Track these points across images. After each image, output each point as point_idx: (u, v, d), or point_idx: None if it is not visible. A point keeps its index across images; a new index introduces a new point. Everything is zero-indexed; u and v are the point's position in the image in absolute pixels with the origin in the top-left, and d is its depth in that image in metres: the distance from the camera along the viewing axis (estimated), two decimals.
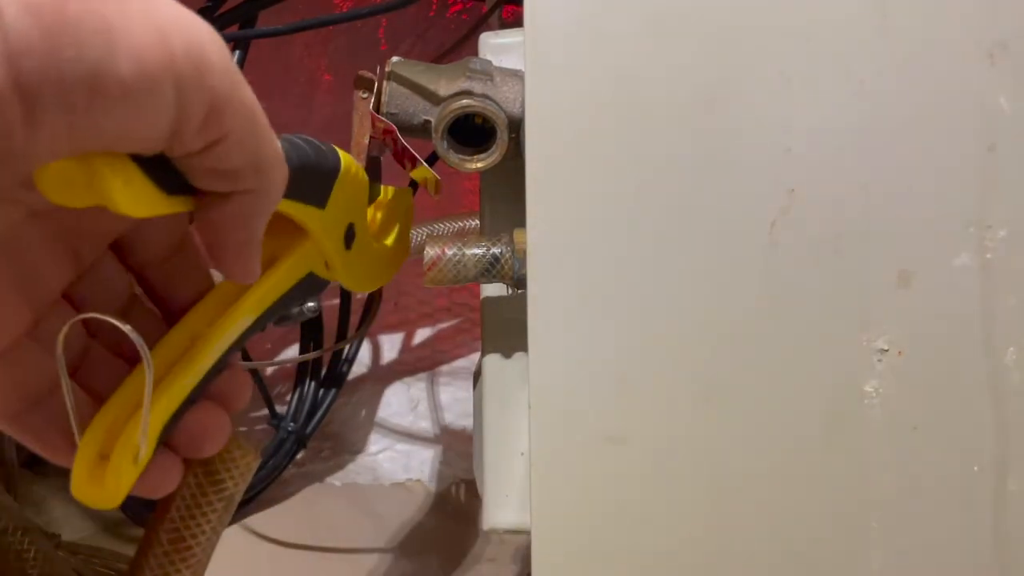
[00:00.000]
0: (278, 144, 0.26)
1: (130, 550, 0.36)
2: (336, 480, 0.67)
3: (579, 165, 0.36)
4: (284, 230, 0.31)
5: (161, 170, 0.23)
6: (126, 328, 0.25)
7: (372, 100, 0.40)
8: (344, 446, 0.73)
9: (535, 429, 0.36)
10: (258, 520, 0.60)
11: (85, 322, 0.28)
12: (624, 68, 0.35)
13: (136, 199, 0.22)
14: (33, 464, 0.60)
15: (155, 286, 0.30)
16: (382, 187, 0.40)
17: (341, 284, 0.34)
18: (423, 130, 0.40)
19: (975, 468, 0.35)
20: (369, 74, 0.41)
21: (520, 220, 0.37)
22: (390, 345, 0.84)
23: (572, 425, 0.36)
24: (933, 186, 0.34)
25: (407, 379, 0.79)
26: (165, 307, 0.30)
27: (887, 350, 0.35)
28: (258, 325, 0.30)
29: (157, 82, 0.21)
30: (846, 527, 0.36)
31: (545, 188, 0.36)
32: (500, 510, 0.42)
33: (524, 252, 0.37)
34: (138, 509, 0.57)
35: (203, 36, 0.22)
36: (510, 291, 0.40)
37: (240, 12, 0.54)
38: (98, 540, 0.56)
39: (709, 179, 0.35)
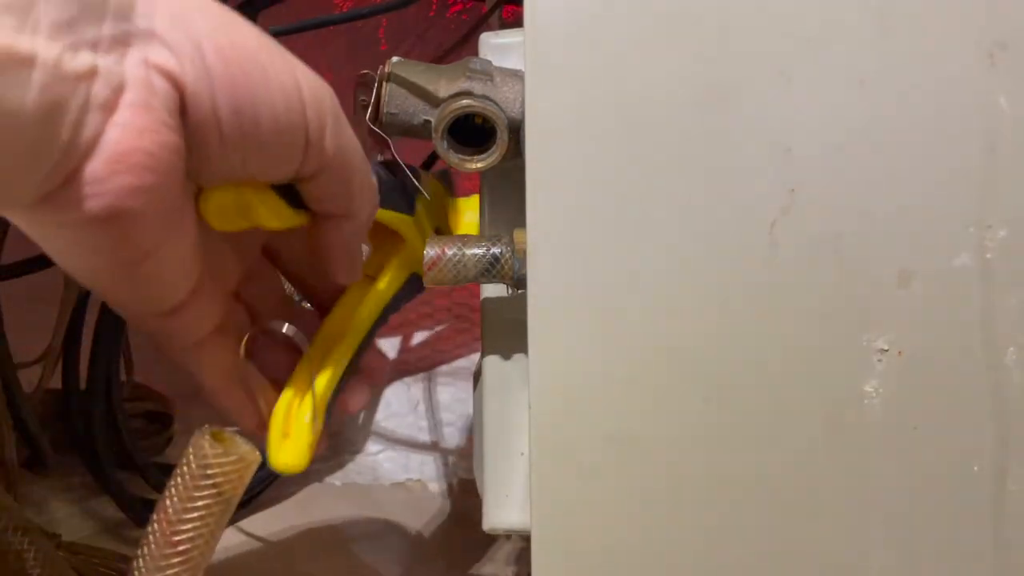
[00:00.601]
0: (371, 175, 0.33)
1: (130, 550, 0.36)
2: (336, 480, 0.67)
3: (579, 165, 0.36)
4: (388, 240, 0.40)
5: (287, 190, 0.30)
6: (291, 331, 0.35)
7: (370, 110, 0.40)
8: (344, 446, 0.73)
9: (535, 429, 0.36)
10: (257, 520, 0.60)
11: (253, 317, 0.37)
12: (624, 68, 0.35)
13: (275, 216, 0.31)
14: (33, 464, 0.60)
15: (301, 283, 0.39)
16: (455, 198, 0.47)
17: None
18: (423, 130, 0.40)
19: (975, 468, 0.35)
20: (371, 74, 0.41)
21: (520, 220, 0.37)
22: (390, 345, 0.84)
23: (572, 425, 0.36)
24: (933, 186, 0.34)
25: (407, 379, 0.79)
26: (314, 299, 0.39)
27: (887, 350, 0.35)
28: (382, 320, 0.39)
29: (298, 125, 0.28)
30: (846, 527, 0.36)
31: (545, 188, 0.36)
32: (500, 510, 0.42)
33: (524, 252, 0.37)
34: (138, 509, 0.57)
35: (325, 90, 0.30)
36: (510, 291, 0.40)
37: (240, 12, 0.54)
38: (98, 540, 0.56)
39: (709, 179, 0.35)
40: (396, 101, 0.40)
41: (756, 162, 0.35)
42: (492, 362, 0.43)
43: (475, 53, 0.43)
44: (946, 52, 0.34)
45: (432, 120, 0.40)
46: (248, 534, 0.58)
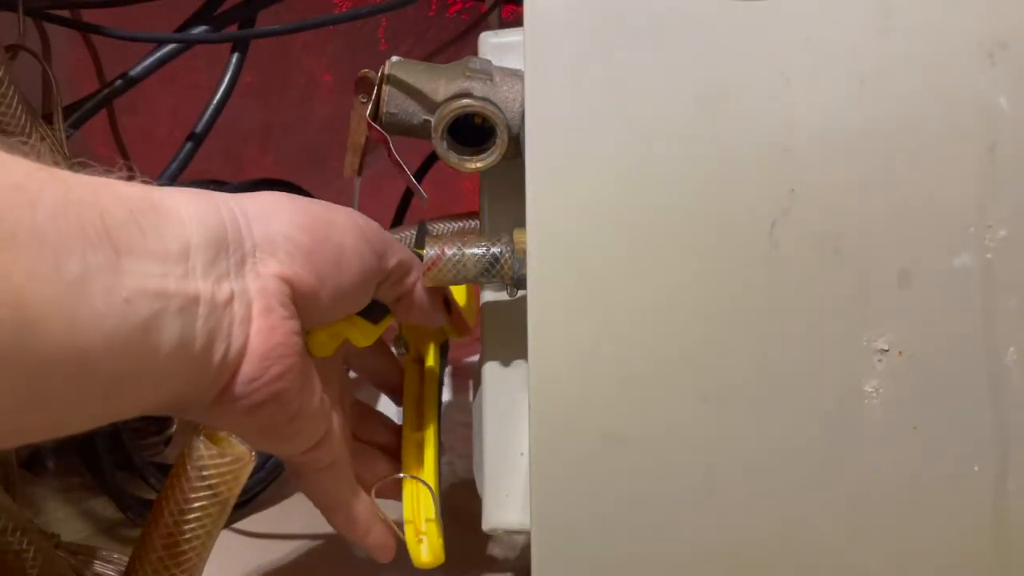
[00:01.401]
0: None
1: (130, 551, 0.36)
2: None
3: (579, 165, 0.35)
4: (418, 327, 0.46)
5: (369, 312, 0.40)
6: (418, 479, 0.43)
7: (370, 106, 0.40)
8: None
9: (535, 429, 0.36)
10: (256, 520, 0.60)
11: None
12: (624, 68, 0.35)
13: (363, 336, 0.40)
14: (32, 464, 0.59)
15: (373, 374, 0.48)
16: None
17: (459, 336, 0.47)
18: (423, 130, 0.40)
19: (975, 468, 0.35)
20: (371, 73, 0.41)
21: (520, 220, 0.37)
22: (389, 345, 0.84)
23: (572, 425, 0.36)
24: (933, 186, 0.34)
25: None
26: (383, 383, 0.48)
27: (887, 350, 0.35)
28: (441, 389, 0.47)
29: (371, 267, 0.37)
30: (846, 527, 0.36)
31: (545, 188, 0.36)
32: (500, 510, 0.42)
33: (524, 252, 0.37)
34: (138, 509, 0.57)
35: (371, 223, 0.38)
36: (510, 292, 0.40)
37: (240, 12, 0.54)
38: (97, 541, 0.56)
39: (709, 179, 0.35)
40: (396, 101, 0.40)
41: (756, 162, 0.35)
42: (492, 363, 0.43)
43: (475, 52, 0.42)
44: (946, 52, 0.34)
45: (432, 120, 0.40)
46: (247, 534, 0.57)
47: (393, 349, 0.47)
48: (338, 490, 0.40)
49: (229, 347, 0.31)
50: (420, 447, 0.45)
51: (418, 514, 0.43)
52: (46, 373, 0.24)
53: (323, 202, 0.37)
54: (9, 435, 0.26)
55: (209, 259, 0.30)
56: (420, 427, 0.45)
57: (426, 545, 0.42)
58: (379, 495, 0.43)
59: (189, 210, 0.30)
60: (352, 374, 0.49)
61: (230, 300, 0.30)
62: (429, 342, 0.48)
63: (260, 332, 0.31)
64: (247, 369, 0.31)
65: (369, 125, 0.40)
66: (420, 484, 0.43)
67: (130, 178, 0.30)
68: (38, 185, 0.25)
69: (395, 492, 0.44)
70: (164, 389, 0.29)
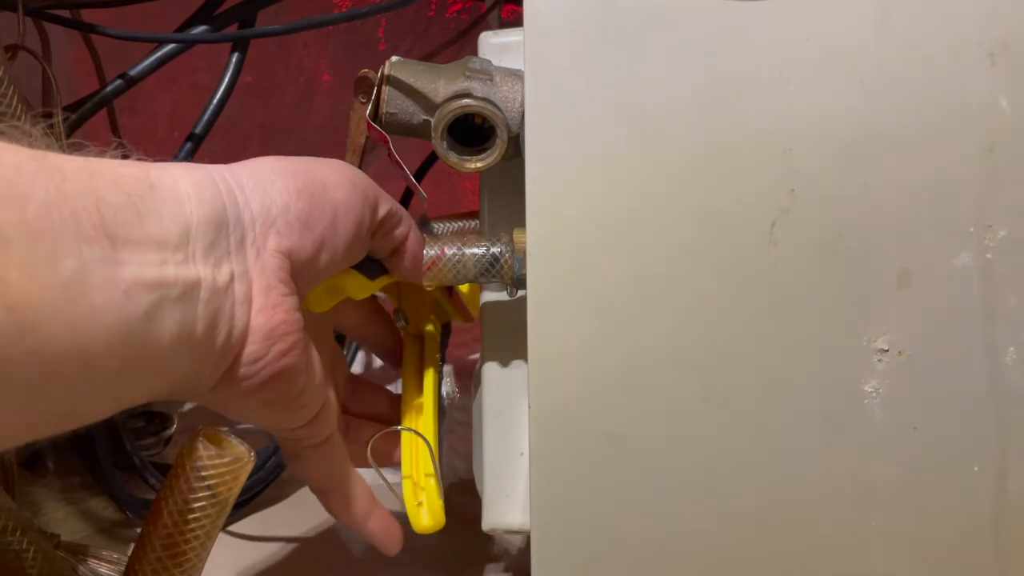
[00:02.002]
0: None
1: (130, 551, 0.36)
2: None
3: (579, 165, 0.35)
4: (416, 301, 0.46)
5: (366, 269, 0.39)
6: (415, 431, 0.42)
7: (369, 106, 0.40)
8: None
9: (535, 429, 0.36)
10: (255, 520, 0.60)
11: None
12: (624, 68, 0.35)
13: (361, 289, 0.40)
14: (32, 464, 0.59)
15: (370, 342, 0.48)
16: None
17: (462, 321, 0.48)
18: (423, 130, 0.40)
19: (975, 468, 0.35)
20: (371, 73, 0.41)
21: (520, 220, 0.37)
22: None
23: (572, 425, 0.36)
24: (933, 186, 0.34)
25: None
26: (382, 350, 0.49)
27: (887, 350, 0.35)
28: (442, 360, 0.46)
29: (364, 221, 0.36)
30: (846, 527, 0.36)
31: (545, 188, 0.36)
32: (500, 510, 0.42)
33: (524, 252, 0.37)
34: (138, 510, 0.57)
35: (361, 175, 0.38)
36: (509, 292, 0.40)
37: (240, 12, 0.54)
38: (97, 541, 0.56)
39: (709, 179, 0.35)
40: (395, 101, 0.40)
41: (756, 162, 0.35)
42: (492, 363, 0.43)
43: (475, 52, 0.42)
44: (946, 52, 0.34)
45: (432, 120, 0.40)
46: (247, 535, 0.57)
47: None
48: (333, 466, 0.39)
49: (232, 329, 0.30)
50: (419, 409, 0.44)
51: (416, 469, 0.42)
52: (48, 374, 0.24)
53: (312, 159, 0.36)
54: (15, 435, 0.26)
55: (209, 240, 0.29)
56: (420, 391, 0.44)
57: (425, 508, 0.41)
58: (375, 457, 0.42)
59: (187, 187, 0.29)
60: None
61: (230, 282, 0.30)
62: (429, 316, 0.47)
63: (262, 311, 0.31)
64: (251, 349, 0.31)
65: (369, 125, 0.40)
66: (419, 440, 0.42)
67: (124, 156, 0.29)
68: (29, 179, 0.24)
69: (390, 456, 0.44)
70: (168, 377, 0.29)
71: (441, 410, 0.45)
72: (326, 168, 0.36)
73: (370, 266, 0.40)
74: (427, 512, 0.41)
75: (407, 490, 0.41)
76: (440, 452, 0.43)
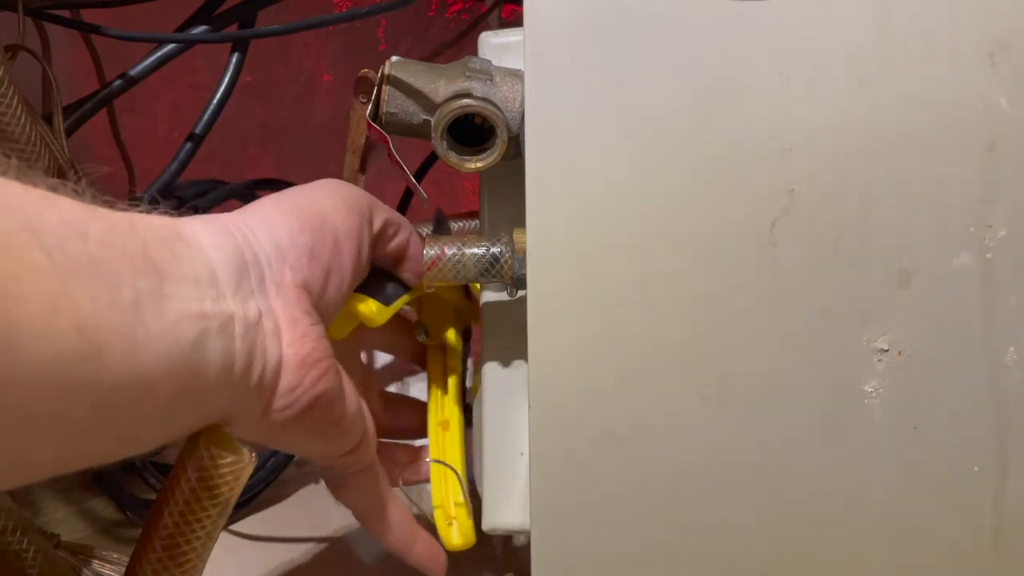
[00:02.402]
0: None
1: (130, 551, 0.36)
2: None
3: (579, 165, 0.35)
4: (436, 312, 0.47)
5: (381, 295, 0.41)
6: (444, 463, 0.44)
7: (369, 106, 0.40)
8: None
9: (535, 429, 0.36)
10: (256, 520, 0.60)
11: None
12: (624, 68, 0.35)
13: (377, 316, 0.41)
14: None
15: (396, 350, 0.50)
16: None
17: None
18: (423, 130, 0.40)
19: (975, 468, 0.35)
20: (371, 73, 0.41)
21: (520, 220, 0.37)
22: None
23: (572, 425, 0.36)
24: (933, 186, 0.34)
25: (407, 379, 0.79)
26: (410, 359, 0.49)
27: (887, 350, 0.35)
28: (464, 373, 0.47)
29: (364, 239, 0.38)
30: (846, 527, 0.36)
31: (545, 188, 0.36)
32: (500, 510, 0.42)
33: (524, 252, 0.37)
34: (138, 510, 0.57)
35: (356, 191, 0.40)
36: (509, 292, 0.40)
37: (240, 12, 0.54)
38: (97, 541, 0.56)
39: (709, 179, 0.35)
40: (395, 101, 0.40)
41: (756, 162, 0.35)
42: (492, 363, 0.43)
43: (475, 52, 0.42)
44: (946, 52, 0.34)
45: (432, 120, 0.40)
46: (247, 535, 0.57)
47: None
48: (377, 492, 0.41)
49: (267, 362, 0.32)
50: (446, 426, 0.45)
51: (447, 498, 0.44)
52: (112, 397, 0.25)
53: (306, 189, 0.38)
54: (74, 460, 0.26)
55: (234, 281, 0.31)
56: (444, 411, 0.46)
57: (456, 528, 0.43)
58: (406, 482, 0.44)
59: (207, 237, 0.32)
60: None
61: (259, 318, 0.32)
62: (449, 327, 0.48)
63: (292, 343, 0.33)
64: (287, 380, 0.33)
65: (369, 125, 0.40)
66: (447, 469, 0.44)
67: (151, 210, 0.31)
68: (84, 219, 0.26)
69: (418, 471, 0.46)
70: (213, 408, 0.31)
71: (467, 417, 0.46)
72: (320, 195, 0.38)
73: (384, 291, 0.41)
74: (458, 532, 0.43)
75: (439, 518, 0.43)
76: (467, 457, 0.45)
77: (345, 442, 0.37)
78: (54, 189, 0.26)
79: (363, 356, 0.50)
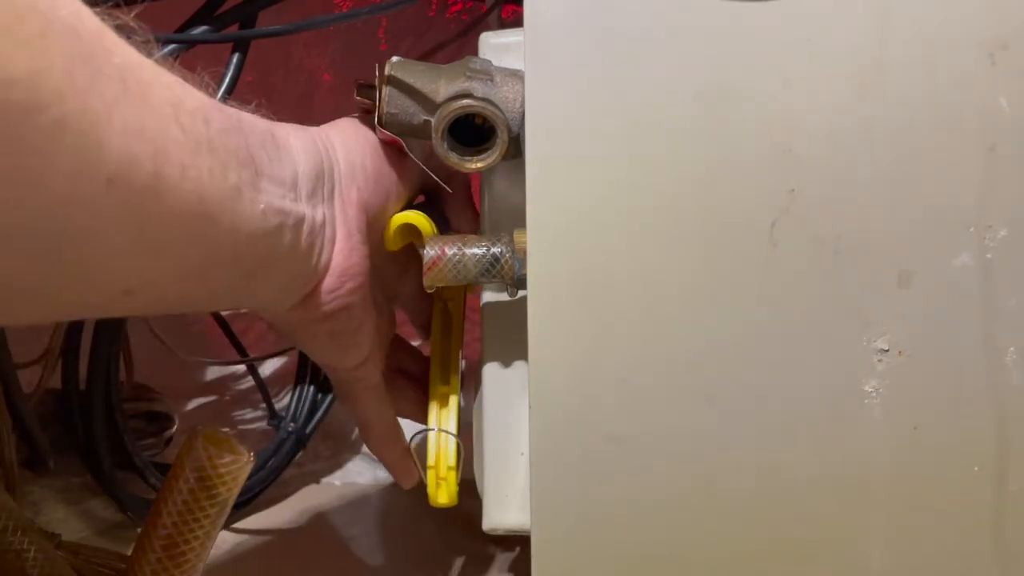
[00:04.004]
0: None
1: (130, 551, 0.36)
2: (336, 480, 0.67)
3: (579, 165, 0.36)
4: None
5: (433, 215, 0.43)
6: (443, 430, 0.46)
7: (375, 113, 0.40)
8: (344, 446, 0.73)
9: (535, 429, 0.36)
10: (256, 520, 0.60)
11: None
12: (624, 68, 0.35)
13: (431, 227, 0.42)
14: (33, 464, 0.59)
15: (413, 312, 0.52)
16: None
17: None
18: (423, 130, 0.40)
19: (975, 468, 0.35)
20: (370, 83, 0.41)
21: (520, 220, 0.37)
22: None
23: (572, 425, 0.36)
24: (933, 186, 0.34)
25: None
26: (419, 321, 0.51)
27: (887, 350, 0.35)
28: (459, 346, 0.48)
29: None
30: (846, 527, 0.36)
31: (545, 188, 0.36)
32: (500, 510, 0.42)
33: (524, 252, 0.37)
34: (138, 509, 0.57)
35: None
36: (510, 291, 0.40)
37: (240, 12, 0.54)
38: (97, 541, 0.56)
39: (709, 179, 0.35)
40: (396, 101, 0.40)
41: (756, 162, 0.35)
42: (492, 363, 0.43)
43: (475, 52, 0.42)
44: (946, 52, 0.34)
45: (432, 120, 0.40)
46: (247, 534, 0.58)
47: None
48: (380, 407, 0.46)
49: (319, 260, 0.37)
50: (445, 399, 0.47)
51: (441, 461, 0.45)
52: (216, 253, 0.31)
53: (368, 119, 0.42)
54: (177, 302, 0.33)
55: (311, 187, 0.37)
56: (446, 379, 0.47)
57: (443, 489, 0.45)
58: (400, 415, 0.48)
59: (296, 143, 0.37)
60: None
61: (324, 223, 0.37)
62: (460, 292, 0.49)
63: (341, 252, 0.38)
64: (329, 281, 0.38)
65: (379, 131, 0.40)
66: (445, 434, 0.46)
67: (255, 111, 0.36)
68: (208, 107, 0.31)
69: (421, 410, 0.48)
70: (276, 282, 0.36)
71: (461, 378, 0.49)
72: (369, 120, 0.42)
73: (434, 216, 0.43)
74: (444, 492, 0.45)
75: (430, 477, 0.45)
76: (459, 412, 0.47)
77: (356, 353, 0.42)
78: (185, 78, 0.31)
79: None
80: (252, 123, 0.34)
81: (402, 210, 0.43)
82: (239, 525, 0.58)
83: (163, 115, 0.27)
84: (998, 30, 0.33)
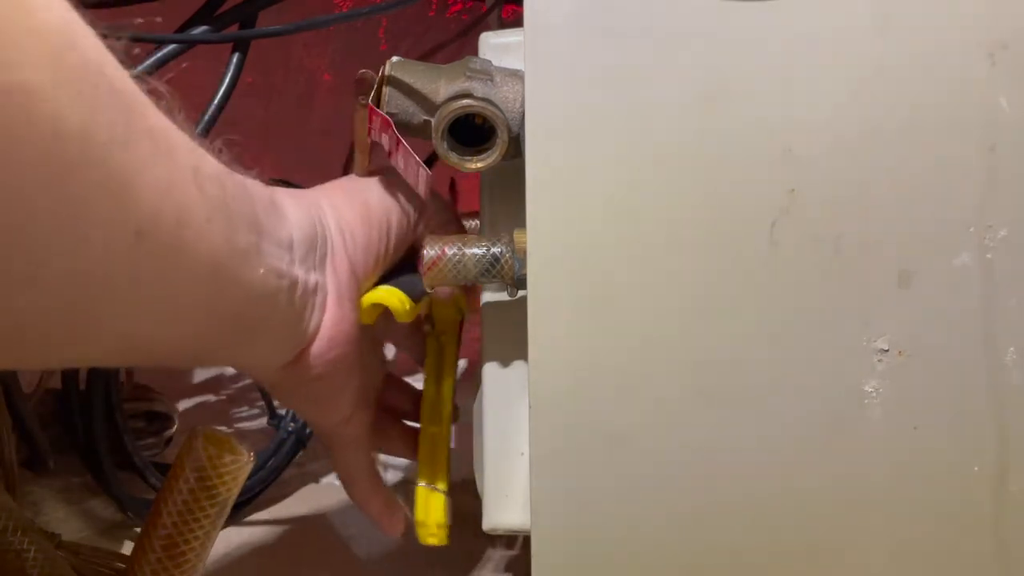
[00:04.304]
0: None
1: (130, 551, 0.36)
2: (336, 480, 0.67)
3: (579, 165, 0.36)
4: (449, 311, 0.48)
5: (412, 290, 0.42)
6: (431, 487, 0.46)
7: (372, 95, 0.40)
8: None
9: (535, 429, 0.36)
10: (256, 520, 0.60)
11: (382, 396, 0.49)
12: (624, 68, 0.35)
13: (409, 311, 0.41)
14: (33, 464, 0.59)
15: (406, 347, 0.52)
16: None
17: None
18: (423, 130, 0.40)
19: (975, 468, 0.35)
20: (369, 74, 0.41)
21: (520, 220, 0.37)
22: (389, 345, 0.84)
23: (572, 425, 0.36)
24: (933, 186, 0.34)
25: (407, 379, 0.79)
26: (418, 360, 0.50)
27: (887, 350, 0.35)
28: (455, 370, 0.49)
29: (403, 237, 0.43)
30: (846, 527, 0.36)
31: (545, 188, 0.36)
32: (500, 510, 0.42)
33: (524, 252, 0.37)
34: (138, 509, 0.57)
35: (391, 203, 0.43)
36: (510, 291, 0.40)
37: (240, 12, 0.54)
38: (97, 541, 0.56)
39: (709, 179, 0.35)
40: (395, 101, 0.40)
41: (756, 162, 0.35)
42: (492, 363, 0.43)
43: (475, 52, 0.42)
44: (946, 52, 0.34)
45: (432, 120, 0.40)
46: (247, 534, 0.57)
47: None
48: (358, 464, 0.46)
49: (309, 323, 0.38)
50: (435, 442, 0.47)
51: (431, 518, 0.45)
52: (217, 312, 0.32)
53: (370, 185, 0.43)
54: (169, 356, 0.34)
55: (304, 253, 0.37)
56: (436, 420, 0.47)
57: (434, 540, 0.45)
58: (386, 452, 0.49)
59: (294, 211, 0.38)
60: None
61: (315, 288, 0.38)
62: (454, 326, 0.49)
63: (331, 319, 0.39)
64: (317, 346, 0.39)
65: (372, 111, 0.40)
66: (433, 491, 0.46)
67: (256, 176, 0.37)
68: (222, 172, 0.32)
69: (411, 454, 0.49)
70: (268, 343, 0.37)
71: (455, 412, 0.48)
72: (380, 193, 0.43)
73: (415, 288, 0.43)
74: (436, 541, 0.45)
75: (420, 531, 0.45)
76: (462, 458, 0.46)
77: (337, 413, 0.43)
78: (200, 143, 0.32)
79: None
80: (256, 189, 0.35)
81: (379, 279, 0.43)
82: (239, 525, 0.58)
83: (186, 177, 0.28)
84: (998, 30, 0.33)
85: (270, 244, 0.35)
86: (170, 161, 0.27)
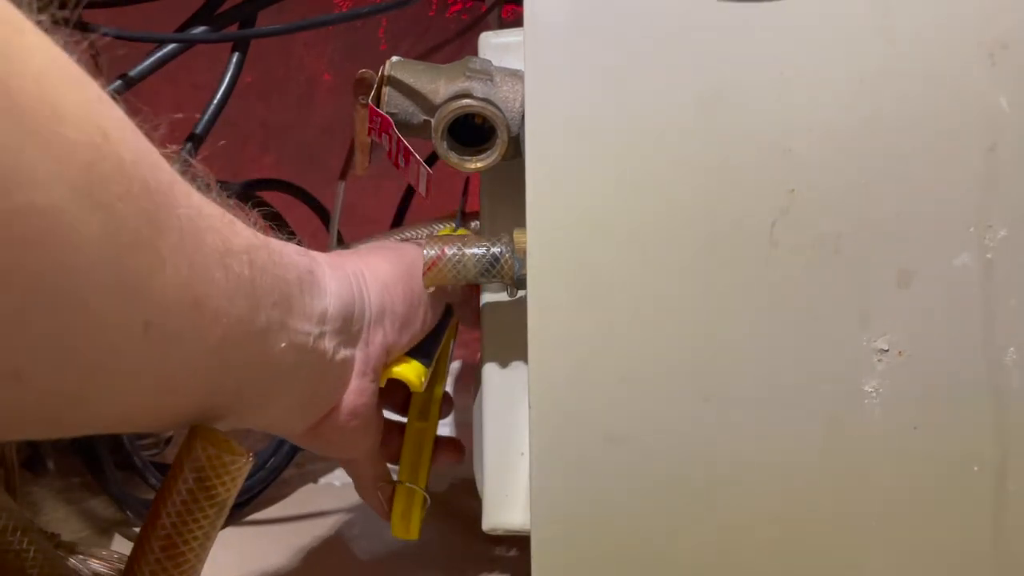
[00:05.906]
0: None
1: (129, 551, 0.36)
2: (335, 480, 0.67)
3: (579, 165, 0.35)
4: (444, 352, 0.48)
5: (425, 356, 0.43)
6: (414, 486, 0.47)
7: (372, 95, 0.40)
8: None
9: (535, 429, 0.36)
10: (256, 520, 0.60)
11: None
12: (624, 68, 0.35)
13: (423, 384, 0.43)
14: (33, 464, 0.59)
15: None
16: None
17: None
18: (423, 130, 0.40)
19: (975, 468, 0.35)
20: (369, 74, 0.41)
21: (520, 220, 0.37)
22: None
23: (572, 425, 0.36)
24: (933, 186, 0.34)
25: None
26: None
27: (887, 350, 0.35)
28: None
29: (425, 307, 0.43)
30: (846, 527, 0.36)
31: (545, 188, 0.36)
32: (500, 510, 0.42)
33: (524, 252, 0.37)
34: (138, 509, 0.57)
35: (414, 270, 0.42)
36: (510, 291, 0.40)
37: (240, 12, 0.54)
38: (97, 541, 0.56)
39: (709, 179, 0.35)
40: (395, 101, 0.40)
41: (756, 162, 0.35)
42: (492, 363, 0.43)
43: (475, 52, 0.42)
44: (946, 52, 0.34)
45: (432, 120, 0.40)
46: (247, 534, 0.57)
47: None
48: (375, 475, 0.48)
49: (331, 394, 0.39)
50: (420, 444, 0.47)
51: (410, 514, 0.46)
52: (223, 387, 0.33)
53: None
54: (166, 425, 0.34)
55: (338, 326, 0.37)
56: (414, 478, 0.48)
57: (409, 524, 0.46)
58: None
59: (332, 283, 0.38)
60: None
61: (343, 362, 0.38)
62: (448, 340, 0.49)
63: (352, 392, 0.40)
64: (335, 417, 0.40)
65: (372, 110, 0.40)
66: (414, 489, 0.47)
67: (298, 242, 0.38)
68: (253, 247, 0.32)
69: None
70: (284, 410, 0.38)
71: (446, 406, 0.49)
72: (388, 255, 0.43)
73: (428, 351, 0.44)
74: (412, 527, 0.46)
75: (398, 504, 0.46)
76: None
77: (351, 457, 0.45)
78: (234, 213, 0.32)
79: None
80: (293, 259, 0.35)
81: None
82: (239, 525, 0.58)
83: (210, 262, 0.28)
84: (998, 30, 0.33)
85: (298, 319, 0.35)
86: (195, 250, 0.27)
